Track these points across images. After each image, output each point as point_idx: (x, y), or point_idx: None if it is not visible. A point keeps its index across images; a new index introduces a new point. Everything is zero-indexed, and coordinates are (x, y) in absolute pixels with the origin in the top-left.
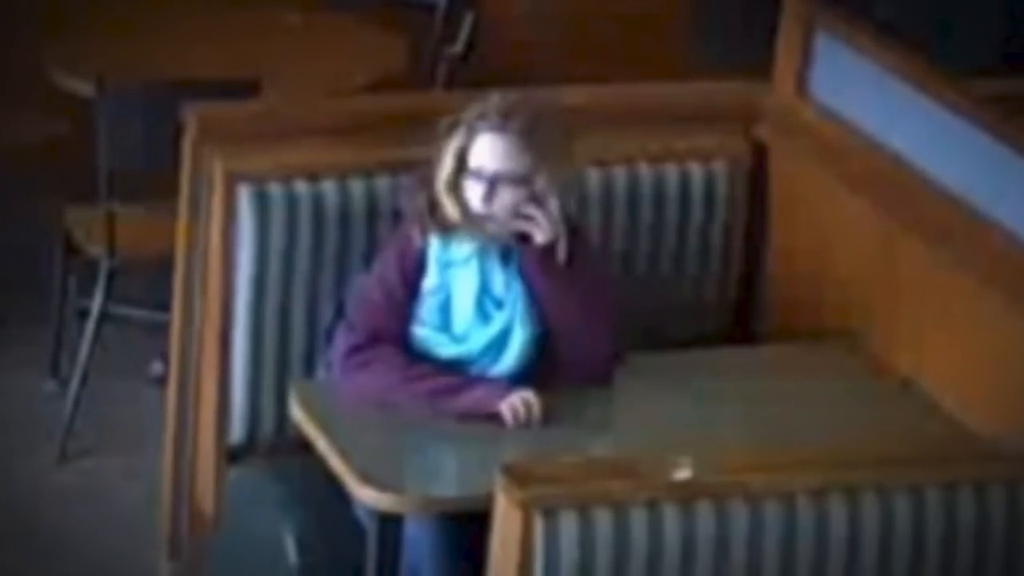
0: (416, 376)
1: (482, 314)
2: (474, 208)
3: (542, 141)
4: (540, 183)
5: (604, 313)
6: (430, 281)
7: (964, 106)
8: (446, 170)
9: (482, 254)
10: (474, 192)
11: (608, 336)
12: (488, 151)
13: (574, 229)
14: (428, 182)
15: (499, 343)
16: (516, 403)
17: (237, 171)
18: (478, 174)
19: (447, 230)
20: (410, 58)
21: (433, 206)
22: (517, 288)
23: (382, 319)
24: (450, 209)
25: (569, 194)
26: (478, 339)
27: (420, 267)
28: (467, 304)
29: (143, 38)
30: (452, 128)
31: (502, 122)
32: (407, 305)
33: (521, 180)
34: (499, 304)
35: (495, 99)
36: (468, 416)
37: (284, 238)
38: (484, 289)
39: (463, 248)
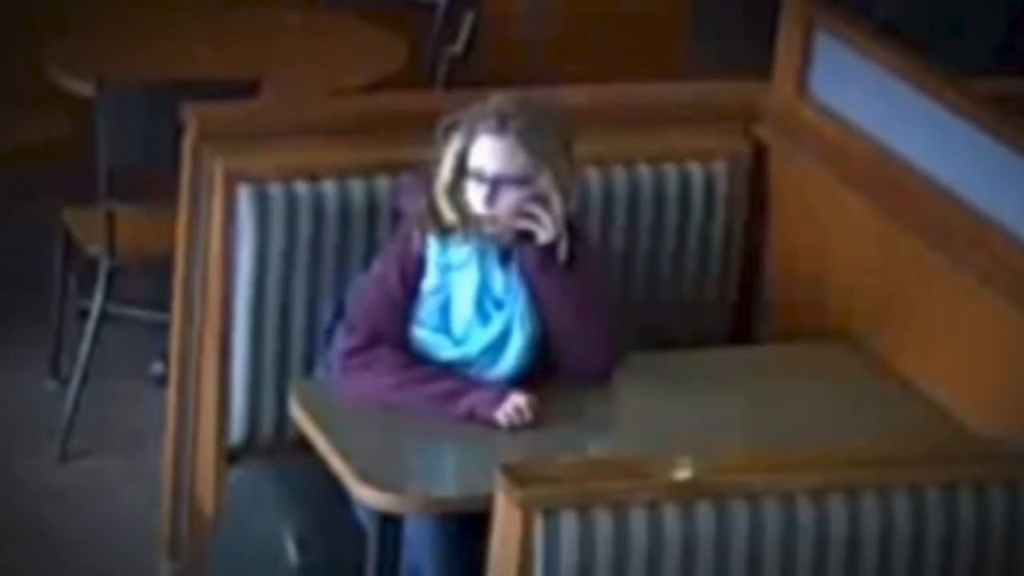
0: (414, 380)
1: (482, 314)
2: (476, 210)
3: (543, 141)
4: (543, 183)
5: (603, 314)
6: (430, 282)
7: (964, 106)
8: (445, 173)
9: (482, 254)
10: (476, 194)
11: (607, 337)
12: (488, 153)
13: (575, 230)
14: (429, 184)
15: (498, 345)
16: (510, 412)
17: (237, 171)
18: (479, 176)
19: (446, 233)
20: (410, 58)
21: (433, 208)
22: (517, 289)
23: (382, 320)
24: (447, 213)
25: (570, 194)
26: (477, 340)
27: (420, 268)
28: (467, 305)
29: (143, 38)
30: (451, 130)
31: (501, 123)
32: (407, 306)
33: (523, 181)
34: (499, 304)
35: (495, 100)
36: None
37: (284, 238)
38: (484, 289)
39: (461, 251)
